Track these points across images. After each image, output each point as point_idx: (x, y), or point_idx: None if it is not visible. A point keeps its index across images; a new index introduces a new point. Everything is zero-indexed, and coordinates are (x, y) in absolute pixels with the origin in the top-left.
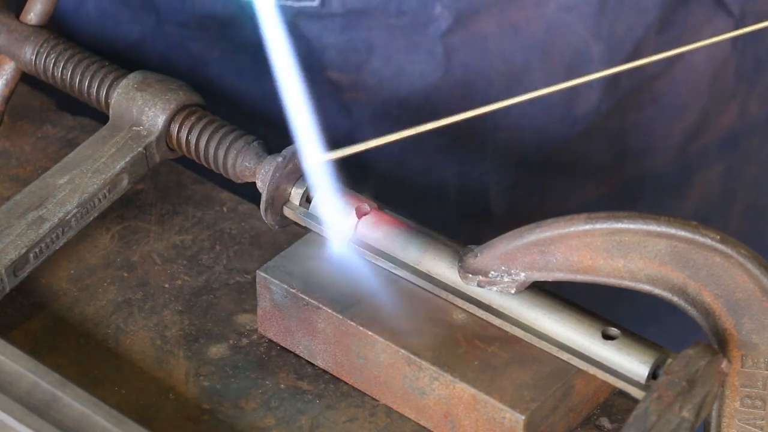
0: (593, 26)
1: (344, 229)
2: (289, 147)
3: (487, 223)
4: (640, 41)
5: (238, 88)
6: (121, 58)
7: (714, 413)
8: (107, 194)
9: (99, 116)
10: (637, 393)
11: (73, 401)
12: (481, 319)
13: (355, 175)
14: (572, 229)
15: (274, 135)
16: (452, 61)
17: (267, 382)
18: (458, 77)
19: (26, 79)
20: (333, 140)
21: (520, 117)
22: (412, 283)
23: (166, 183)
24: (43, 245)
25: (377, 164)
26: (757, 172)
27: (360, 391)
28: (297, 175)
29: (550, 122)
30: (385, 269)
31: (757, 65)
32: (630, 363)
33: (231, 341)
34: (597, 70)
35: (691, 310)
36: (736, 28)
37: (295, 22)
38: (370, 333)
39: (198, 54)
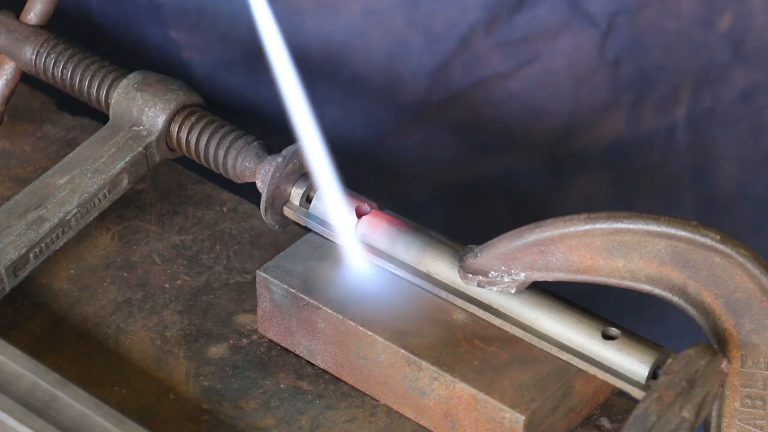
0: (408, 16)
1: (344, 229)
2: (289, 147)
3: None
4: (466, 39)
5: (229, 82)
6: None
7: (714, 413)
8: (107, 194)
9: (99, 116)
10: (637, 393)
11: (73, 401)
12: (481, 319)
13: (335, 162)
14: (572, 229)
15: (266, 130)
16: None
17: (267, 382)
18: None
19: (26, 79)
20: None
21: (344, 96)
22: (412, 283)
23: (166, 183)
24: (43, 245)
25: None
26: (660, 186)
27: (360, 391)
28: (297, 175)
29: (374, 107)
30: (385, 269)
31: (643, 77)
32: (630, 363)
33: (231, 341)
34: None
35: (691, 310)
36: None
37: None
38: (370, 333)
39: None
